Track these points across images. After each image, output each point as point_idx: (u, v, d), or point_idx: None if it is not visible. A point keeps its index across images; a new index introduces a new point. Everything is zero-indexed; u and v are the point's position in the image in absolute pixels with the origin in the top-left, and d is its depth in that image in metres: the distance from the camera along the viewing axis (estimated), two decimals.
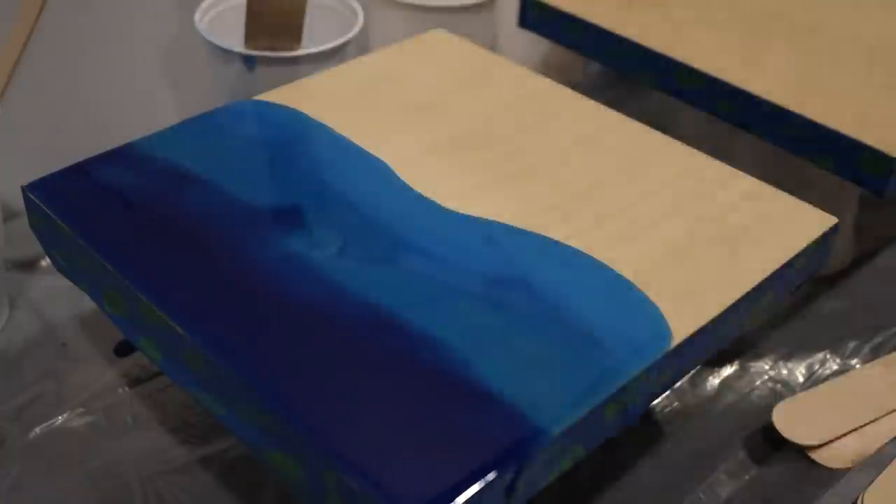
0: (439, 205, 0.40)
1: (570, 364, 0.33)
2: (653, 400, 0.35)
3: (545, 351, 0.33)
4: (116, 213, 0.38)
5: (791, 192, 0.42)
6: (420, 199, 0.40)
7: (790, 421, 0.42)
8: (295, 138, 0.44)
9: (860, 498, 0.40)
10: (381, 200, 0.40)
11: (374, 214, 0.39)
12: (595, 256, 0.37)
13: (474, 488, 0.29)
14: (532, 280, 0.36)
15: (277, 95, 0.46)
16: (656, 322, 0.34)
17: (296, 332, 0.33)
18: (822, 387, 0.44)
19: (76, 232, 0.37)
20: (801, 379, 0.46)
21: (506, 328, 0.34)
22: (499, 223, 0.39)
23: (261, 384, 0.31)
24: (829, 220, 0.40)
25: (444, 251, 0.37)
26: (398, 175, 0.41)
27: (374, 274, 0.36)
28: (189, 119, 0.44)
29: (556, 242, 0.38)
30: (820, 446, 0.42)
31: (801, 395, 0.44)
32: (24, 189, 0.40)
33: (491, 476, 0.29)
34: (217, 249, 0.37)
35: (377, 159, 0.42)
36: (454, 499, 0.28)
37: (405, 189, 0.41)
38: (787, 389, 0.45)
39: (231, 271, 0.36)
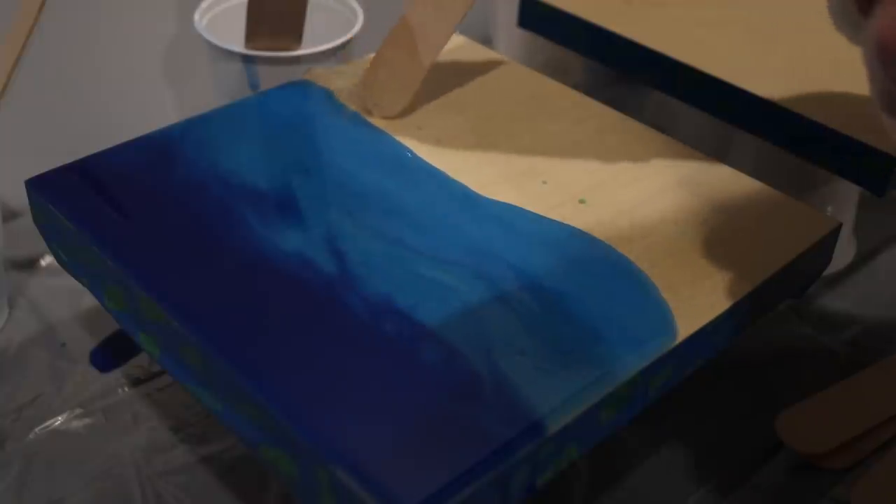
0: (466, 184, 0.40)
1: (570, 360, 0.33)
2: (653, 399, 0.35)
3: (546, 346, 0.33)
4: (117, 209, 0.38)
5: (791, 191, 0.42)
6: (450, 179, 0.41)
7: (793, 430, 0.42)
8: (301, 124, 0.44)
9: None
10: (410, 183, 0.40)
11: (397, 199, 0.39)
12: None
13: (468, 488, 0.28)
14: (543, 271, 0.36)
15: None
16: (663, 319, 0.34)
17: (292, 328, 0.33)
18: (823, 394, 0.44)
19: (77, 227, 0.37)
20: (802, 379, 0.46)
21: (508, 322, 0.34)
22: (518, 207, 0.39)
23: (255, 379, 0.31)
24: (832, 223, 0.40)
25: (455, 234, 0.38)
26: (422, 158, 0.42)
27: (376, 263, 0.36)
28: (193, 116, 0.44)
29: (575, 230, 0.38)
30: (823, 453, 0.42)
31: (802, 404, 0.43)
32: (27, 184, 0.40)
33: (486, 475, 0.29)
34: (218, 244, 0.37)
35: (400, 143, 0.43)
36: (447, 498, 0.28)
37: (433, 170, 0.41)
38: (788, 390, 0.45)
39: (233, 266, 0.36)
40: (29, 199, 0.40)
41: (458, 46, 0.51)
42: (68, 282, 0.41)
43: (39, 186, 0.39)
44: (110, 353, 0.45)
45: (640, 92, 0.63)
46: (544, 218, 0.39)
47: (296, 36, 0.55)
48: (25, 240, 0.49)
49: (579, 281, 0.36)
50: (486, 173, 0.41)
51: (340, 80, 0.47)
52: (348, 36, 0.54)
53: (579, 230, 0.38)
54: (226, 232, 0.37)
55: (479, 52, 0.50)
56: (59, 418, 0.43)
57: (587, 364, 0.32)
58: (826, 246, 0.40)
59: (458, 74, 0.48)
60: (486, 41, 0.64)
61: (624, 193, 0.41)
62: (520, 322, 0.34)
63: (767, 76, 0.48)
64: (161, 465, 0.41)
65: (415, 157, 0.42)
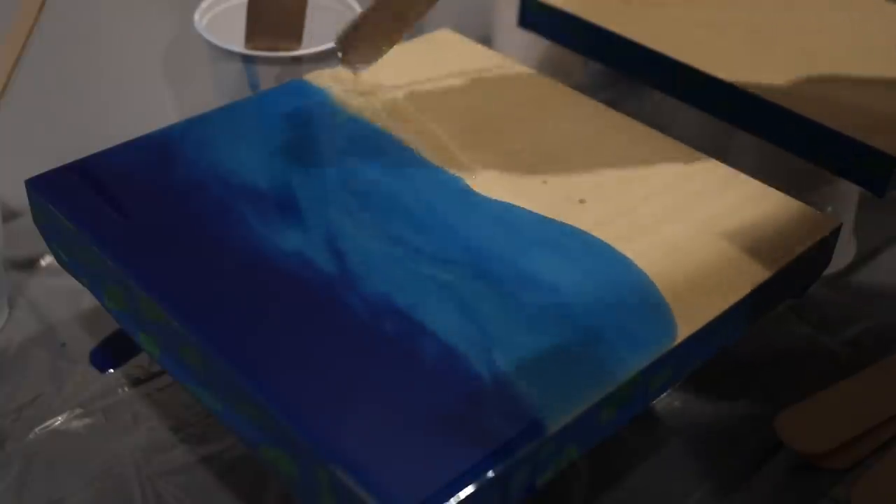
0: (467, 184, 0.40)
1: (570, 360, 0.33)
2: (653, 399, 0.35)
3: (546, 346, 0.33)
4: (117, 209, 0.38)
5: (791, 191, 0.42)
6: (451, 178, 0.41)
7: (793, 430, 0.42)
8: (301, 124, 0.44)
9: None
10: (411, 181, 0.40)
11: (397, 194, 0.39)
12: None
13: (468, 488, 0.28)
14: (543, 271, 0.36)
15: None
16: (663, 319, 0.34)
17: (292, 327, 0.33)
18: (823, 394, 0.44)
19: (77, 227, 0.37)
20: (802, 379, 0.46)
21: (508, 322, 0.34)
22: (518, 207, 0.39)
23: (254, 379, 0.31)
24: (832, 223, 0.40)
25: (455, 234, 0.38)
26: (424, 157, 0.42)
27: (376, 263, 0.36)
28: (193, 116, 0.44)
29: (575, 230, 0.38)
30: (823, 453, 0.42)
31: (802, 404, 0.43)
32: (27, 183, 0.40)
33: (486, 475, 0.29)
34: (218, 244, 0.37)
35: (399, 141, 0.43)
36: (447, 498, 0.28)
37: (432, 167, 0.41)
38: (788, 390, 0.45)
39: (233, 266, 0.36)
40: (29, 199, 0.40)
41: (457, 46, 0.51)
42: (68, 282, 0.41)
43: (39, 186, 0.39)
44: (110, 353, 0.45)
45: (640, 92, 0.63)
46: (544, 218, 0.39)
47: (296, 36, 0.55)
48: (25, 240, 0.49)
49: (579, 281, 0.36)
50: (486, 173, 0.41)
51: (340, 81, 0.47)
52: None
53: (579, 230, 0.38)
54: (226, 232, 0.37)
55: (479, 52, 0.50)
56: (59, 418, 0.43)
57: (587, 364, 0.32)
58: (826, 246, 0.40)
59: (458, 74, 0.48)
60: (486, 41, 0.64)
61: (624, 193, 0.41)
62: (520, 322, 0.34)
63: (767, 76, 0.48)
64: (161, 465, 0.41)
65: (415, 156, 0.42)
